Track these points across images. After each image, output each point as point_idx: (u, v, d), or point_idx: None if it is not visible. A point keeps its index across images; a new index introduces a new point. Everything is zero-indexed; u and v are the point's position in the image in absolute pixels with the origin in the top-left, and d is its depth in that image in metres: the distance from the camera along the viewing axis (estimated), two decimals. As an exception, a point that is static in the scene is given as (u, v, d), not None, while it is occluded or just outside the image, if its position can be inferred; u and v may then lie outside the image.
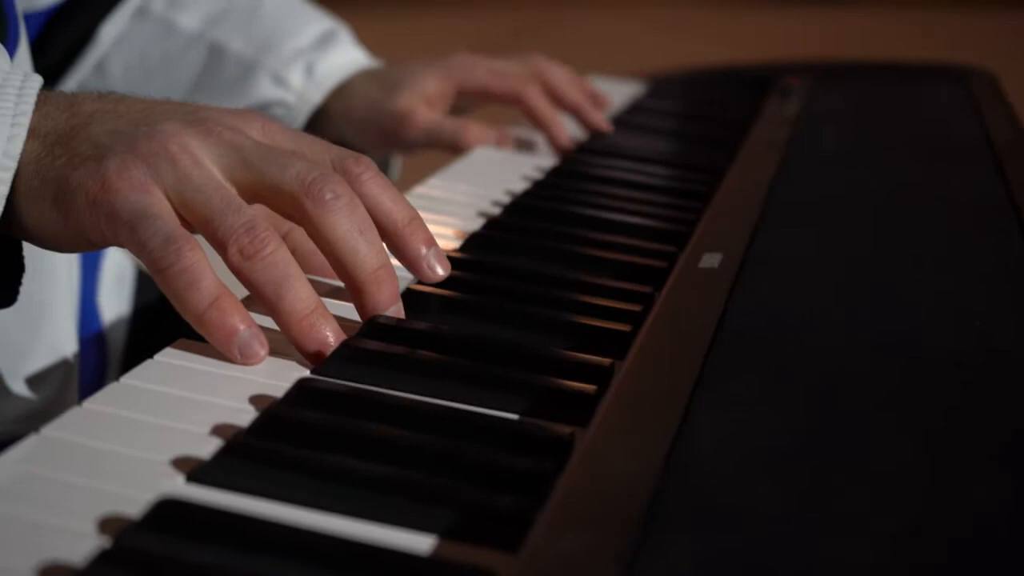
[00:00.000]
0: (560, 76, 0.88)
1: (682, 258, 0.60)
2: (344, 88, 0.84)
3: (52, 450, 0.39)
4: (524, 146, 0.86)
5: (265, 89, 0.83)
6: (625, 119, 0.95)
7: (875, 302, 0.54)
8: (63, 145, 0.48)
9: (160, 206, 0.46)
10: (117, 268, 0.82)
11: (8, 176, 0.48)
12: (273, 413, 0.42)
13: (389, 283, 0.49)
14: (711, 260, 0.58)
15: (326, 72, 0.83)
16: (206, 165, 0.48)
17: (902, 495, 0.37)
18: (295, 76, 0.83)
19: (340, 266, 0.49)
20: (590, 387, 0.46)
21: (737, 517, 0.36)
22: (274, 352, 0.47)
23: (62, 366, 0.67)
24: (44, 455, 0.39)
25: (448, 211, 0.68)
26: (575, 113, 0.88)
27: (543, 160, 0.82)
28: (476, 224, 0.65)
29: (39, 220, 0.49)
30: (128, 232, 0.46)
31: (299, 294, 0.46)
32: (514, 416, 0.44)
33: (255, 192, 0.48)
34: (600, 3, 6.72)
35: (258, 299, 0.47)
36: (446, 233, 0.64)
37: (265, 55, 0.84)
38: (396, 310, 0.50)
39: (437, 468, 0.40)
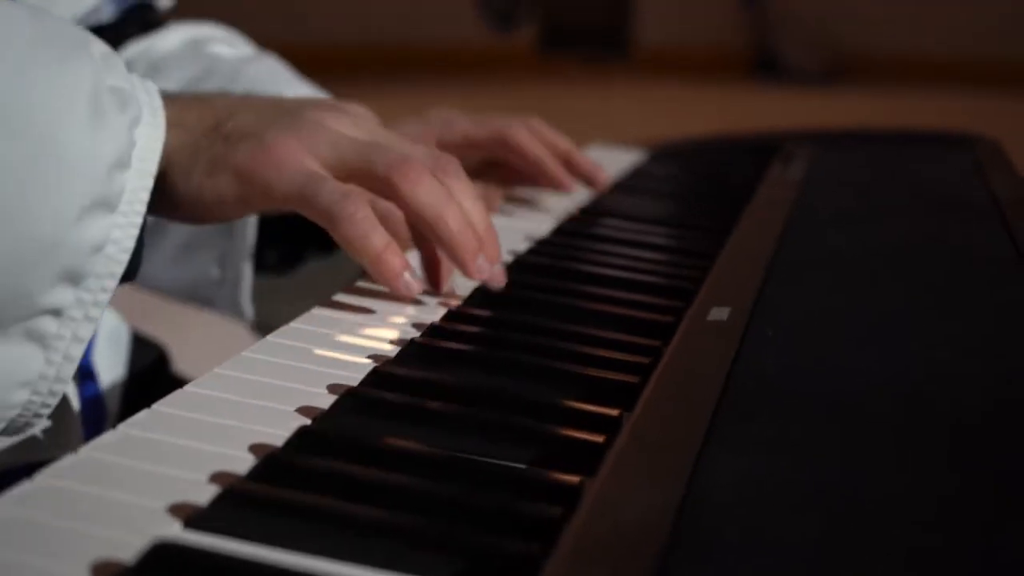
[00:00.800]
0: (544, 128, 0.85)
1: (690, 312, 0.59)
2: None
3: (47, 495, 0.38)
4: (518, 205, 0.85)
5: None
6: (628, 183, 0.94)
7: (885, 349, 0.53)
8: (214, 132, 0.57)
9: (323, 172, 0.56)
10: (112, 331, 0.81)
11: (150, 167, 0.53)
12: (274, 458, 0.41)
13: (475, 237, 0.58)
14: (719, 314, 0.57)
15: None
16: (349, 134, 0.58)
17: (915, 535, 0.36)
18: None
19: (430, 229, 0.58)
20: (599, 437, 0.44)
21: (752, 561, 0.35)
22: (274, 400, 0.46)
23: (62, 426, 0.65)
24: (39, 500, 0.37)
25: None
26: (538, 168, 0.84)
27: (542, 226, 0.81)
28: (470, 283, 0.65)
29: (202, 196, 0.56)
30: (300, 196, 0.55)
31: (456, 214, 0.57)
32: (522, 466, 0.43)
33: (354, 175, 0.57)
34: (592, 84, 6.80)
35: (418, 221, 0.57)
36: (451, 291, 0.63)
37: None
38: (493, 269, 0.60)
39: (443, 515, 0.38)
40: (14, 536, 0.35)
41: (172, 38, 0.87)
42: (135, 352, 0.83)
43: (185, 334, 0.83)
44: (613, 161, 1.04)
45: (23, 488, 0.38)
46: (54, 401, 0.52)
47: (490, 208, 0.81)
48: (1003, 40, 7.19)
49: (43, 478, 0.39)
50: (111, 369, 0.80)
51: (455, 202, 0.58)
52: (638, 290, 0.64)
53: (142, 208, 0.53)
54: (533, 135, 0.83)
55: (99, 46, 0.54)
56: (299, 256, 0.83)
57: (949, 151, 1.04)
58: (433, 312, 0.59)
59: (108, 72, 0.53)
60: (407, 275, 0.56)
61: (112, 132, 0.51)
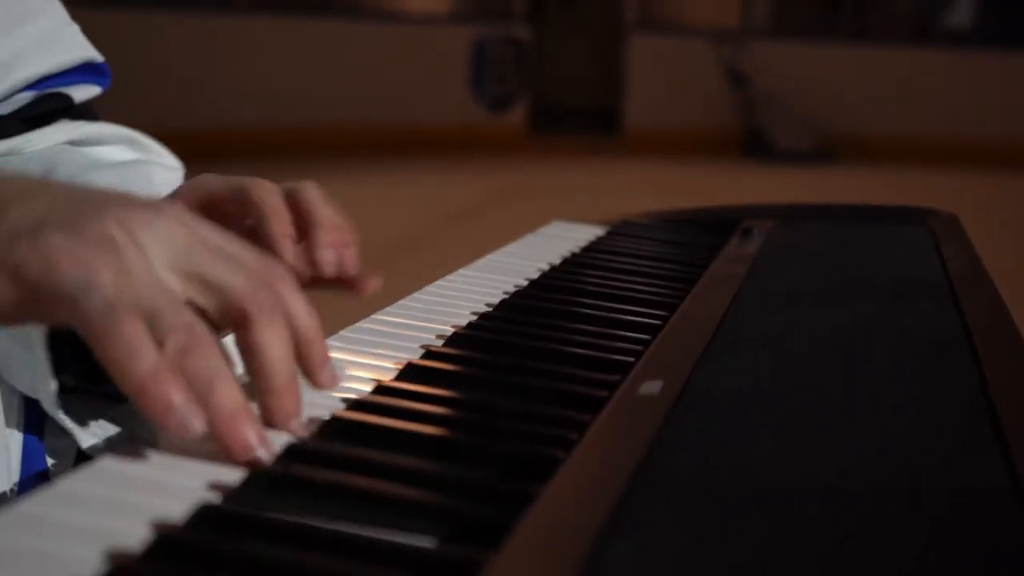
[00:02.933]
0: (312, 192, 0.64)
1: (622, 387, 0.58)
2: None
3: None
4: None
5: None
6: (581, 258, 0.94)
7: (819, 437, 0.52)
8: None
9: (106, 283, 0.46)
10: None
11: None
12: (171, 537, 0.39)
13: (297, 394, 0.51)
14: (652, 388, 0.56)
15: None
16: (151, 255, 0.48)
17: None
18: None
19: (262, 373, 0.50)
20: (503, 516, 0.43)
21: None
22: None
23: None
24: None
25: (392, 341, 0.66)
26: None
27: (491, 297, 0.80)
28: (411, 355, 0.64)
29: None
30: (70, 306, 0.46)
31: (229, 391, 0.47)
32: (427, 544, 0.42)
33: (194, 286, 0.49)
34: (582, 164, 6.84)
35: (259, 371, 0.50)
36: (380, 363, 0.62)
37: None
38: (298, 423, 0.51)
39: None
40: None
41: (58, 132, 0.82)
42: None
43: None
44: (573, 237, 1.03)
45: None
46: None
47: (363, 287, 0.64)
48: (985, 121, 7.27)
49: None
50: (64, 447, 0.78)
51: (292, 344, 0.51)
52: (574, 364, 0.63)
53: None
54: (281, 192, 0.63)
55: None
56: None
57: (906, 225, 1.03)
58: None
59: None
60: (184, 409, 0.45)
61: None
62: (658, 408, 0.53)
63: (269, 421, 0.50)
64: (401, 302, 0.75)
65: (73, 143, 0.84)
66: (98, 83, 0.87)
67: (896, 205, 1.09)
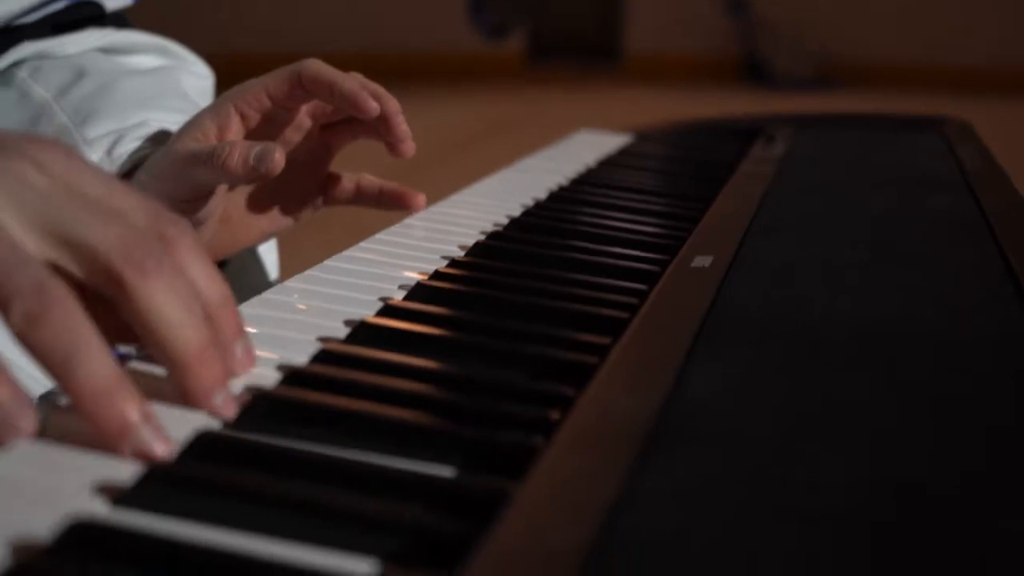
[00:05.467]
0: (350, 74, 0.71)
1: (674, 262, 0.64)
2: (146, 161, 0.74)
3: None
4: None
5: None
6: (616, 159, 0.99)
7: (856, 291, 0.58)
8: None
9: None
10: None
11: None
12: (207, 434, 0.40)
13: (216, 363, 0.42)
14: (702, 261, 0.62)
15: (124, 151, 0.77)
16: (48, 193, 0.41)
17: (859, 433, 0.41)
18: (97, 152, 0.77)
19: (160, 344, 0.41)
20: (592, 358, 0.49)
21: (725, 449, 0.39)
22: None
23: None
24: None
25: (462, 225, 0.72)
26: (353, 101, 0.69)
27: (537, 194, 0.86)
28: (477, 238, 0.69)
29: None
30: None
31: (94, 364, 0.38)
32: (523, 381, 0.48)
33: (57, 246, 0.41)
34: (582, 91, 6.85)
35: (46, 371, 0.38)
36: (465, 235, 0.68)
37: (81, 128, 0.79)
38: (224, 397, 0.42)
39: (447, 410, 0.43)
40: None
41: (87, 39, 0.86)
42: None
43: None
44: (601, 144, 1.09)
45: None
46: None
47: (415, 204, 0.75)
48: (986, 47, 7.27)
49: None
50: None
51: (195, 299, 0.42)
52: (626, 245, 0.69)
53: None
54: (361, 84, 0.70)
55: None
56: None
57: (921, 132, 1.09)
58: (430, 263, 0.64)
59: None
60: (8, 404, 0.37)
61: None
62: (711, 276, 0.59)
63: (184, 397, 0.42)
64: (423, 213, 0.76)
65: (104, 50, 0.87)
66: None
67: (910, 114, 1.14)
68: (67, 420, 0.39)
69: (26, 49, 0.84)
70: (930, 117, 1.12)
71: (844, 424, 0.42)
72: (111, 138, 0.78)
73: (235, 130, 0.71)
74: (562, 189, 0.86)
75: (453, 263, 0.63)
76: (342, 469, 0.39)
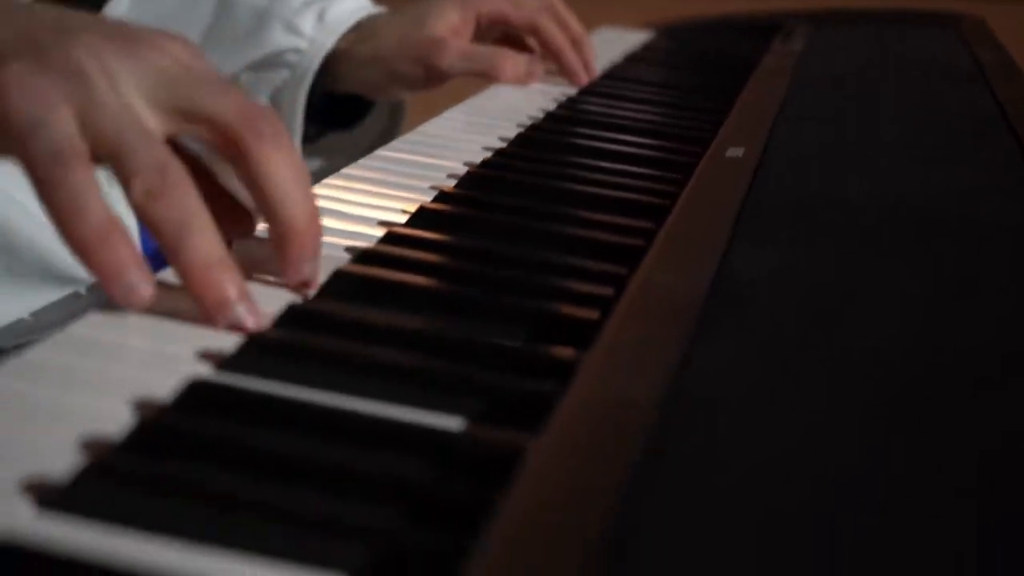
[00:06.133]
0: (566, 15, 0.91)
1: (708, 153, 0.67)
2: (366, 29, 0.86)
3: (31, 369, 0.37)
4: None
5: (278, 37, 0.85)
6: (640, 55, 1.02)
7: (884, 176, 0.61)
8: None
9: (58, 120, 0.41)
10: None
11: None
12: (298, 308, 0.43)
13: (319, 235, 0.45)
14: (735, 152, 0.65)
15: (337, 17, 0.85)
16: (125, 88, 0.43)
17: (885, 316, 0.45)
18: (307, 23, 0.85)
19: (272, 206, 0.44)
20: (639, 241, 0.52)
21: (776, 320, 0.43)
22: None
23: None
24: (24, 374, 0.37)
25: (455, 147, 0.75)
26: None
27: (567, 88, 0.88)
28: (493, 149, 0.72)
29: None
30: (18, 143, 0.41)
31: (204, 240, 0.41)
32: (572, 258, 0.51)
33: (179, 121, 0.44)
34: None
35: (159, 243, 0.41)
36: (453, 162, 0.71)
37: (276, 4, 0.86)
38: (313, 268, 0.45)
39: (465, 354, 0.46)
40: (12, 406, 0.35)
41: None
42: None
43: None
44: (622, 42, 1.11)
45: (13, 361, 0.37)
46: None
47: (533, 78, 0.88)
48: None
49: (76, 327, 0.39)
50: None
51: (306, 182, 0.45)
52: (659, 137, 0.72)
53: None
54: (558, 24, 0.89)
55: None
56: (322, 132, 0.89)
57: (937, 28, 1.11)
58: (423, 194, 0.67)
59: None
60: (132, 275, 0.40)
61: None
62: (745, 165, 0.62)
63: (283, 261, 0.44)
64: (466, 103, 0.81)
65: None
66: None
67: (926, 10, 1.16)
68: (169, 295, 0.42)
69: None
70: (946, 13, 1.14)
71: (877, 296, 0.45)
72: (316, 7, 0.85)
73: (470, 31, 0.88)
74: (592, 84, 0.89)
75: (498, 152, 0.66)
76: (424, 336, 0.42)
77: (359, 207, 0.56)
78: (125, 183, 0.41)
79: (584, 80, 0.90)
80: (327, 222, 0.50)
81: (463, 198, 0.58)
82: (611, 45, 1.07)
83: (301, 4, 0.86)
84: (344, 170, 0.62)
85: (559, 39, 0.89)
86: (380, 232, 0.52)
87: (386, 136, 0.92)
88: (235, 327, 0.41)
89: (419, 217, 0.54)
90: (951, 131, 0.72)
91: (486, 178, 0.62)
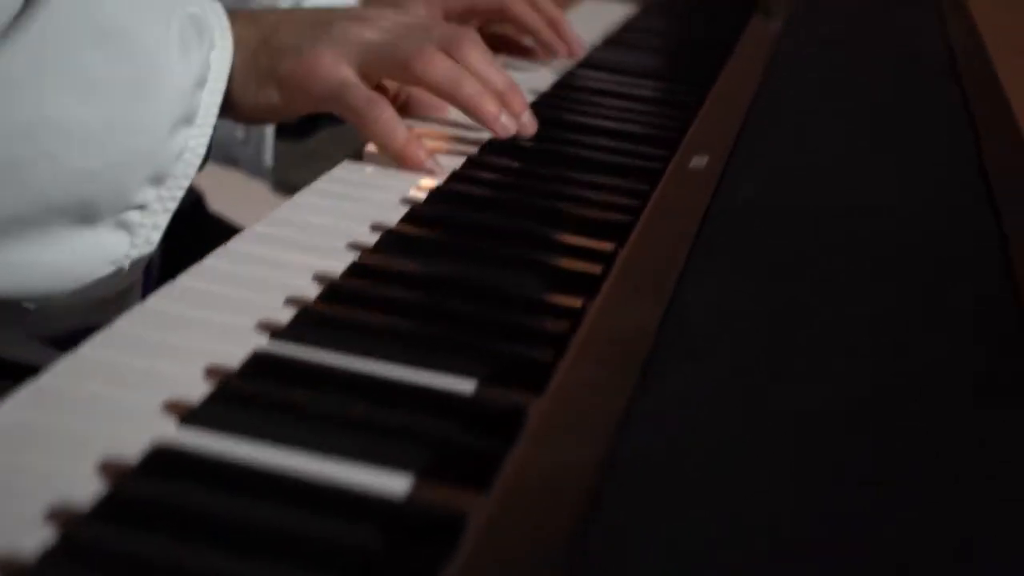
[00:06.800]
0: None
1: (672, 163, 0.68)
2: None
3: (46, 396, 0.40)
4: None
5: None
6: (618, 37, 1.02)
7: (845, 190, 0.63)
8: (262, 48, 0.66)
9: (353, 78, 0.65)
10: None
11: (220, 85, 0.63)
12: (262, 355, 0.44)
13: (497, 101, 0.68)
14: (699, 162, 0.66)
15: None
16: (374, 38, 0.66)
17: (837, 339, 0.46)
18: None
19: (453, 96, 0.67)
20: (596, 267, 0.54)
21: (719, 353, 0.45)
22: (261, 290, 0.50)
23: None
24: (37, 402, 0.40)
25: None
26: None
27: (544, 80, 0.89)
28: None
29: (257, 104, 0.66)
30: (335, 100, 0.65)
31: (471, 82, 0.66)
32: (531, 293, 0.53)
33: (384, 68, 0.67)
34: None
35: (440, 95, 0.67)
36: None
37: None
38: (507, 118, 0.68)
39: (463, 326, 0.48)
40: (20, 439, 0.38)
41: None
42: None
43: (218, 179, 0.92)
44: (603, 18, 1.12)
45: (23, 392, 0.40)
46: (134, 276, 0.63)
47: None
48: None
49: (43, 379, 0.41)
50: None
51: (469, 72, 0.67)
52: (628, 139, 0.73)
53: (214, 120, 0.63)
54: (528, 4, 0.91)
55: None
56: (315, 123, 0.91)
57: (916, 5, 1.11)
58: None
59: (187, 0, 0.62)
60: (428, 161, 0.65)
61: (195, 57, 0.61)
62: (707, 178, 0.63)
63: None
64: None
65: None
66: None
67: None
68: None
69: None
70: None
71: (834, 330, 0.47)
72: None
73: None
74: (567, 75, 0.90)
75: (469, 161, 0.68)
76: (374, 385, 0.44)
77: (325, 230, 0.57)
78: (408, 68, 0.66)
79: (566, 52, 0.91)
80: (292, 248, 0.53)
81: (429, 218, 0.59)
82: (592, 22, 1.08)
83: None
84: (313, 186, 0.64)
85: (530, 16, 0.90)
86: (349, 255, 0.54)
87: None
88: (503, 128, 0.68)
89: (385, 241, 0.56)
90: (916, 137, 0.73)
91: (453, 194, 0.63)
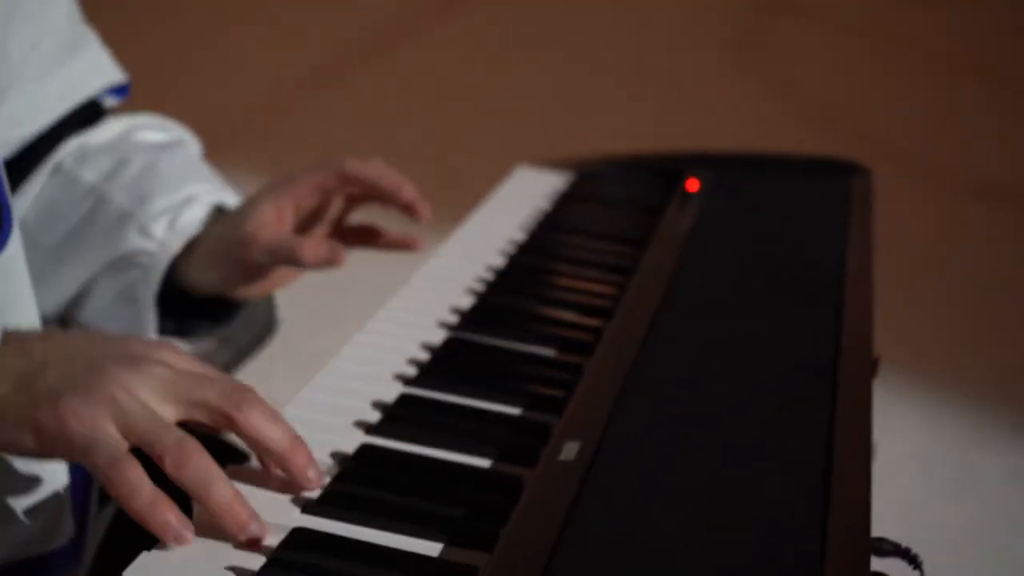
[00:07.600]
0: (378, 161, 0.95)
1: (544, 453, 0.73)
2: (199, 234, 0.95)
3: None
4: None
5: (133, 239, 0.95)
6: (544, 221, 1.11)
7: (699, 512, 0.68)
8: (25, 389, 0.65)
9: (107, 436, 0.63)
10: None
11: None
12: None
13: (304, 449, 0.68)
14: (570, 452, 0.71)
15: (187, 223, 0.94)
16: (142, 397, 0.65)
17: None
18: (159, 227, 0.94)
19: (265, 448, 0.66)
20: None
21: None
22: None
23: (55, 516, 0.80)
24: None
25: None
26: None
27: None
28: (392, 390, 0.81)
29: (10, 444, 0.66)
30: (82, 455, 0.64)
31: (222, 487, 0.63)
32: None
33: (185, 409, 0.66)
34: None
35: (191, 496, 0.64)
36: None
37: (138, 208, 0.95)
38: (316, 472, 0.68)
39: None
40: None
41: (110, 128, 1.00)
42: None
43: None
44: (533, 191, 1.18)
45: None
46: None
47: (338, 260, 0.91)
48: None
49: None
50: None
51: (246, 434, 0.66)
52: (530, 364, 0.86)
53: None
54: (365, 163, 0.93)
55: None
56: (193, 329, 0.99)
57: (831, 179, 1.16)
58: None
59: None
60: (175, 526, 0.62)
61: None
62: (574, 474, 0.69)
63: (293, 482, 0.67)
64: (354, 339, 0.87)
65: (129, 130, 1.02)
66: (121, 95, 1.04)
67: (821, 158, 1.22)
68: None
69: (72, 142, 0.98)
70: (840, 164, 1.20)
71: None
72: (169, 214, 0.94)
73: (289, 218, 0.92)
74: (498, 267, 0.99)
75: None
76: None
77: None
78: (159, 462, 0.63)
79: (426, 213, 0.93)
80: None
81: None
82: (525, 193, 1.15)
83: (159, 210, 0.95)
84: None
85: (369, 171, 0.92)
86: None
87: (270, 328, 1.04)
88: (251, 539, 0.63)
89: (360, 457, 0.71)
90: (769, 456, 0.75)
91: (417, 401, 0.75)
